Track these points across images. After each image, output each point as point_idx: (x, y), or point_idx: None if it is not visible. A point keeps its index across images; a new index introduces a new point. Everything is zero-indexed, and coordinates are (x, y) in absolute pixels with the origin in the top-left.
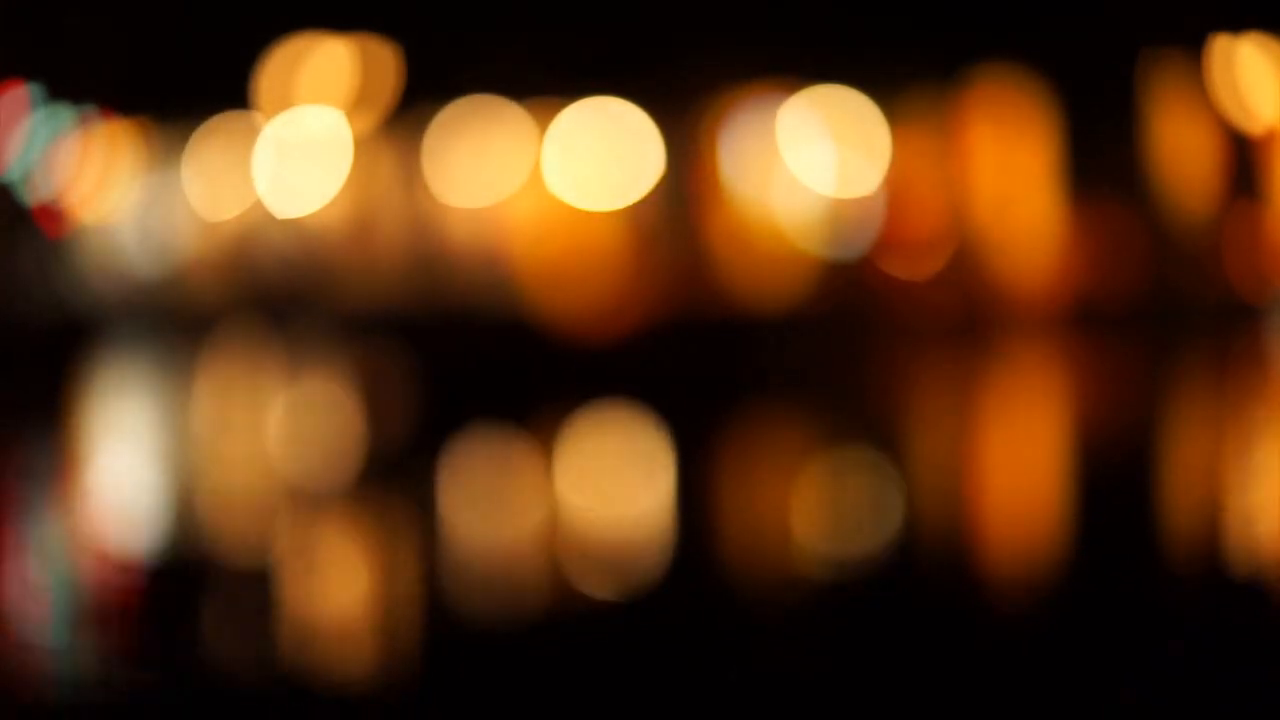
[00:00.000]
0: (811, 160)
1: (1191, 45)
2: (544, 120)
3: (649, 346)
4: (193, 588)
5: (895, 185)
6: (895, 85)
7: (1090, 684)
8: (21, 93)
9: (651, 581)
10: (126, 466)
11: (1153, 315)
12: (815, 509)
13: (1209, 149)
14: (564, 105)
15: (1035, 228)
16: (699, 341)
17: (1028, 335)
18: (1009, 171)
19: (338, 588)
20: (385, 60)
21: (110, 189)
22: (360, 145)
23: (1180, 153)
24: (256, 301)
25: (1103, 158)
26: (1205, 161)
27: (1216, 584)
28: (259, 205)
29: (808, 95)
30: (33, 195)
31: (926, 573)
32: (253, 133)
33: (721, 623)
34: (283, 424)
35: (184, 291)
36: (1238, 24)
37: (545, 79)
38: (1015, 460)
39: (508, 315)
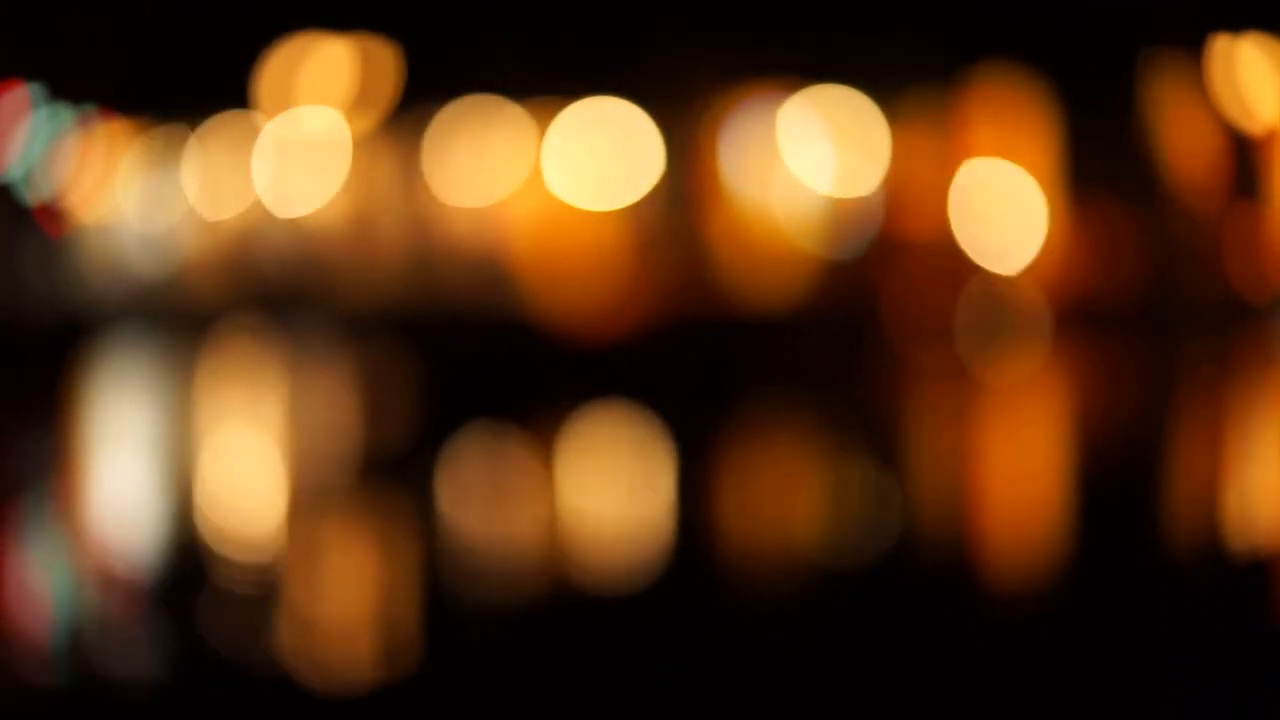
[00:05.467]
0: (811, 160)
1: (1191, 45)
2: (544, 120)
3: (649, 346)
4: (193, 588)
5: (895, 185)
6: (895, 85)
7: (1091, 682)
8: (21, 93)
9: (652, 581)
10: (126, 466)
11: (1154, 315)
12: (815, 508)
13: (1209, 149)
14: (564, 105)
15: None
16: (699, 341)
17: (1028, 335)
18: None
19: (339, 587)
20: (385, 60)
21: (110, 189)
22: (360, 145)
23: (1180, 153)
24: (256, 301)
25: (1103, 158)
26: (1205, 161)
27: (1217, 582)
28: (259, 205)
29: (808, 95)
30: (33, 195)
31: (927, 572)
32: (253, 133)
33: (722, 622)
34: (283, 424)
35: (184, 291)
36: (1238, 24)
37: (545, 79)
38: (1016, 460)
39: (508, 315)
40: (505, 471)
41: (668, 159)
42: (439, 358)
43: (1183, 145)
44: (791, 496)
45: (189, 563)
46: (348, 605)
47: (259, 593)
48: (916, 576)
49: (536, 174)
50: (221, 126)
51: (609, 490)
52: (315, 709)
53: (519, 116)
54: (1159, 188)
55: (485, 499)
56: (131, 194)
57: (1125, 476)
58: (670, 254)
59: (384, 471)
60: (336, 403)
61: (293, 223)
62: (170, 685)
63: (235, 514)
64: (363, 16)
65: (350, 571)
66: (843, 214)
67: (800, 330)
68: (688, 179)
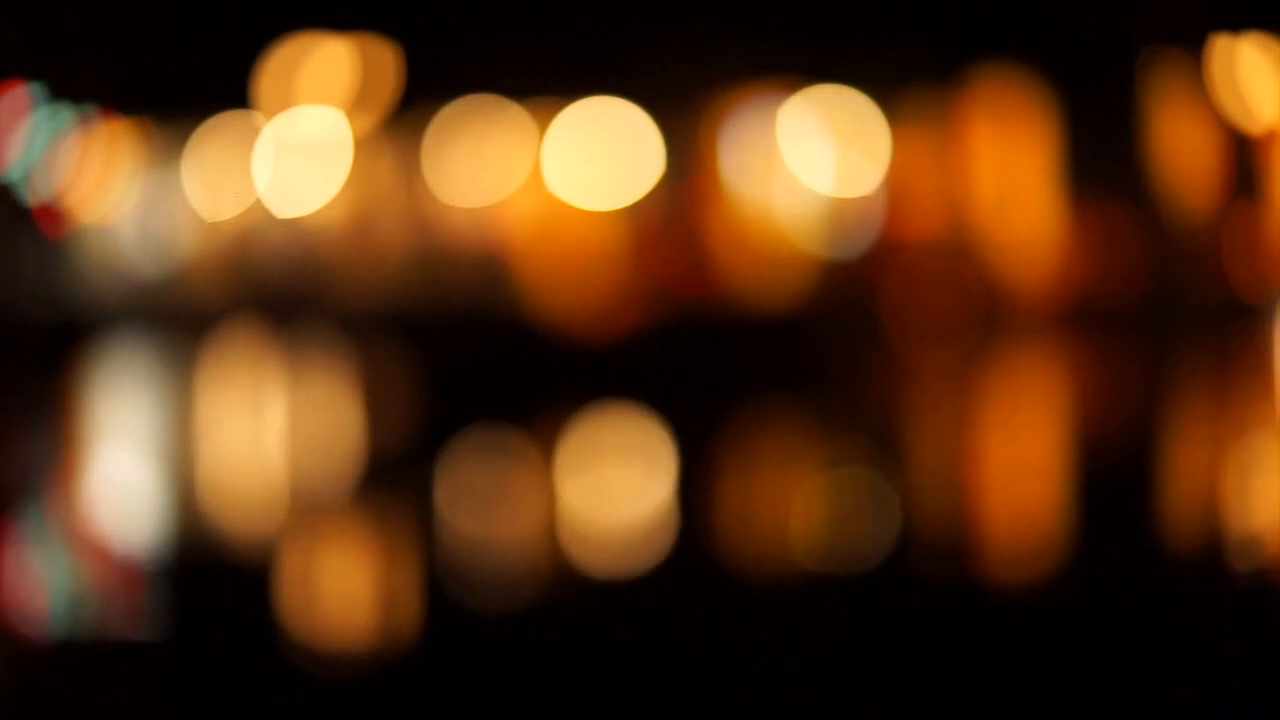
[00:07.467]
0: (811, 160)
1: (1191, 45)
2: (544, 120)
3: (649, 346)
4: (193, 588)
5: (895, 185)
6: (895, 85)
7: (1089, 681)
8: (21, 93)
9: (651, 581)
10: (126, 467)
11: (1153, 315)
12: (814, 508)
13: (1209, 149)
14: (564, 105)
15: (1035, 228)
16: (699, 341)
17: (1028, 335)
18: (1009, 172)
19: (338, 587)
20: (385, 60)
21: (110, 189)
22: (360, 145)
23: (1180, 153)
24: (256, 301)
25: (1103, 158)
26: (1205, 161)
27: (1215, 583)
28: (259, 205)
29: (808, 95)
30: (33, 195)
31: (925, 572)
32: (253, 133)
33: (722, 622)
34: (283, 424)
35: (184, 291)
36: (1238, 24)
37: (545, 79)
38: (1014, 460)
39: (508, 315)
40: (505, 472)
41: (668, 159)
42: (439, 358)
43: (1183, 145)
44: (791, 497)
45: (188, 563)
46: (347, 606)
47: (258, 593)
48: (916, 577)
49: (536, 174)
50: (221, 126)
51: (609, 491)
52: (315, 709)
53: (519, 116)
54: (1159, 188)
55: (485, 500)
56: (131, 194)
57: (1124, 476)
58: (670, 254)
59: (383, 471)
60: (336, 403)
61: (293, 223)
62: (169, 686)
63: (235, 514)
64: (363, 16)
65: (349, 572)
66: (843, 214)
67: (800, 330)
68: (688, 179)
